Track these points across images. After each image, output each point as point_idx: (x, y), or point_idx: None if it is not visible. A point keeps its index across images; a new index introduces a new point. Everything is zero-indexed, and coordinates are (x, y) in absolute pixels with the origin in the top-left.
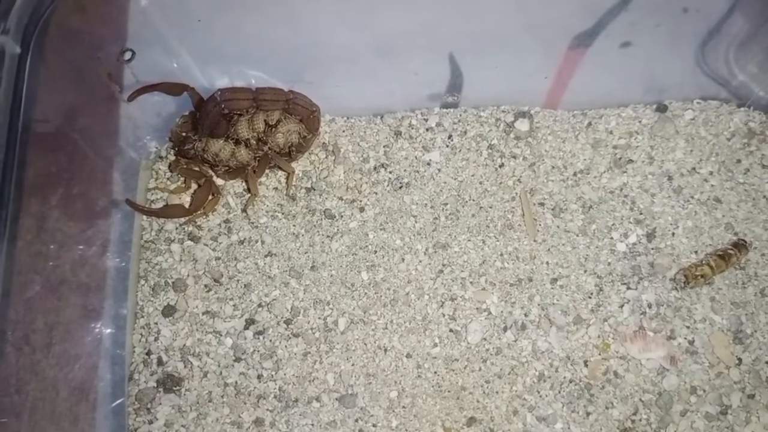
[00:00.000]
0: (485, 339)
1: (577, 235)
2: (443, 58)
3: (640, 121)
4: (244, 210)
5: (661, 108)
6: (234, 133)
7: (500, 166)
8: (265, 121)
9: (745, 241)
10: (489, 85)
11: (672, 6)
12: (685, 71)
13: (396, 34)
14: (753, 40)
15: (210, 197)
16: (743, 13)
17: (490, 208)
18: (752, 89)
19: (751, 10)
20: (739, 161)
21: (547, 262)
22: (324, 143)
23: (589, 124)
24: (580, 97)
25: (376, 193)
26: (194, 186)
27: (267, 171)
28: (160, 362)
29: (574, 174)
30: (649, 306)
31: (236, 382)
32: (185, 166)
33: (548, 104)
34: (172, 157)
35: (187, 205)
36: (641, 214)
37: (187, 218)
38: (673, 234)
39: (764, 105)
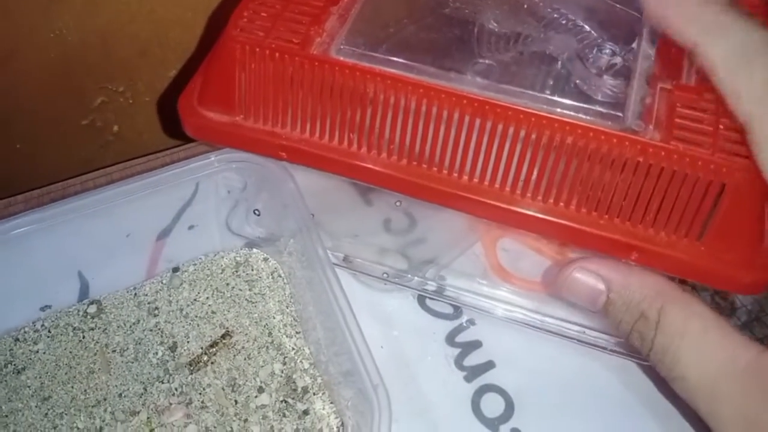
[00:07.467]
0: None
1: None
2: None
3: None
4: None
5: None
6: None
7: None
8: None
9: (228, 329)
10: None
11: None
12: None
13: None
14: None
15: None
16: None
17: None
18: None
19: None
20: (227, 284)
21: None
22: None
23: None
24: None
25: None
26: None
27: None
28: None
29: None
30: (177, 388)
31: None
32: None
33: None
34: None
35: None
36: (167, 336)
37: None
38: (188, 342)
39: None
